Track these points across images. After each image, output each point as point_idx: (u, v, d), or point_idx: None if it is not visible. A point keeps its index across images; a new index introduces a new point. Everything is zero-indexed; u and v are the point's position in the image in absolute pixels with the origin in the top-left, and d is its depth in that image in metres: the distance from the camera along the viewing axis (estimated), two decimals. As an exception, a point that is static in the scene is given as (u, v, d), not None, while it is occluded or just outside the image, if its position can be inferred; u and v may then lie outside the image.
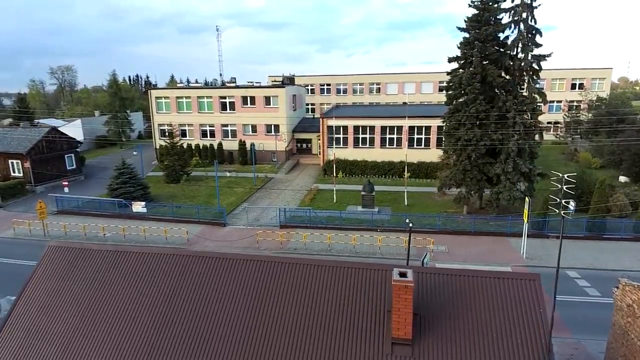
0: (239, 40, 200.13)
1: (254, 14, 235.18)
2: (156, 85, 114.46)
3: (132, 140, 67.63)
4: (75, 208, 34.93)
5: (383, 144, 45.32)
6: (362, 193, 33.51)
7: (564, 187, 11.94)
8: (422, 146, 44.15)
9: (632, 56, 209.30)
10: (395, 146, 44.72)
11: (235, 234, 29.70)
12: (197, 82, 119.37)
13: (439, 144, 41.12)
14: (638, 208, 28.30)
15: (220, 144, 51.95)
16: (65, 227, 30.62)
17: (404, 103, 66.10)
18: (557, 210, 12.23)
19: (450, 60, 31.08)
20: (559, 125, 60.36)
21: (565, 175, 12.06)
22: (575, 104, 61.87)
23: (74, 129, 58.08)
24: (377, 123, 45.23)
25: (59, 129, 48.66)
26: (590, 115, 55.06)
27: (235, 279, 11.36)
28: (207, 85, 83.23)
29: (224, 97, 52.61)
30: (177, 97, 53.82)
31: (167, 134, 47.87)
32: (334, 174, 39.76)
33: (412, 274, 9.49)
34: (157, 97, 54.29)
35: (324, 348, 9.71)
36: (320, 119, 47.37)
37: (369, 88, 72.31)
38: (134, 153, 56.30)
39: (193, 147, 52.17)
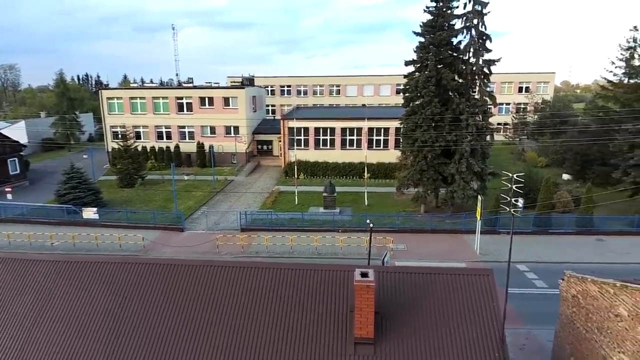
0: (197, 40, 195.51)
1: (214, 14, 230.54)
2: (108, 85, 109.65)
3: (82, 143, 64.34)
4: (19, 216, 32.72)
5: (344, 145, 45.88)
6: (324, 194, 33.73)
7: (514, 186, 12.64)
8: (381, 147, 45.10)
9: (573, 61, 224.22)
10: (355, 147, 45.38)
11: (194, 238, 28.98)
12: (151, 82, 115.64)
13: (397, 145, 42.10)
14: (580, 204, 30.29)
15: (177, 146, 50.50)
16: (10, 237, 28.65)
17: (363, 105, 67.19)
18: (507, 208, 12.89)
19: (407, 63, 31.96)
20: (508, 126, 63.59)
21: (515, 175, 12.75)
22: (522, 106, 65.34)
23: (17, 131, 54.47)
24: (338, 125, 45.72)
25: (1, 131, 45.48)
26: (536, 117, 58.40)
27: (194, 286, 11.11)
28: (162, 86, 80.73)
29: (181, 98, 51.23)
30: (131, 98, 51.80)
31: (120, 136, 45.96)
32: (296, 176, 39.77)
33: (373, 273, 9.69)
34: (109, 98, 51.99)
35: (287, 351, 9.70)
36: (281, 121, 47.23)
37: (329, 90, 72.91)
38: (84, 156, 53.61)
39: (148, 150, 50.39)
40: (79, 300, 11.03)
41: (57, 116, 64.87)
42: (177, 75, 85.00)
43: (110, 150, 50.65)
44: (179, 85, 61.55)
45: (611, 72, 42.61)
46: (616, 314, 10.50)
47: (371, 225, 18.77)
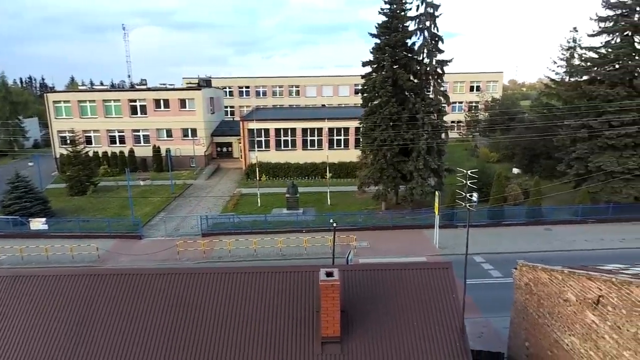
0: (150, 41, 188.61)
1: (167, 14, 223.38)
2: (54, 88, 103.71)
3: (27, 150, 60.50)
4: (-42, 230, 30.38)
5: (305, 145, 45.97)
6: (287, 195, 33.66)
7: (468, 181, 13.20)
8: (342, 147, 45.60)
9: (519, 61, 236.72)
10: (316, 148, 45.60)
11: (153, 246, 28.04)
12: (102, 84, 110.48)
13: (357, 144, 42.75)
14: (529, 196, 32.04)
15: (131, 151, 48.61)
16: (-54, 253, 26.54)
17: (323, 105, 67.63)
18: (462, 203, 13.43)
19: (364, 64, 32.48)
20: (461, 124, 66.18)
21: (469, 171, 13.34)
22: (474, 104, 68.21)
23: (-49, 139, 50.46)
24: (298, 125, 45.74)
25: None
26: (487, 114, 61.15)
27: (154, 295, 10.77)
28: (114, 88, 77.38)
29: (134, 101, 49.39)
30: (80, 101, 49.33)
31: (69, 141, 43.63)
32: (258, 178, 39.43)
33: (338, 272, 9.81)
34: (55, 102, 49.22)
35: (256, 354, 9.62)
36: (241, 122, 46.64)
37: (289, 90, 72.77)
38: (30, 164, 50.47)
39: (100, 155, 48.17)
40: (29, 317, 10.40)
41: (-3, 122, 60.68)
42: (129, 77, 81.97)
43: (58, 156, 47.98)
44: (132, 87, 59.30)
45: (553, 71, 45.48)
46: (565, 299, 11.21)
47: (334, 224, 18.96)
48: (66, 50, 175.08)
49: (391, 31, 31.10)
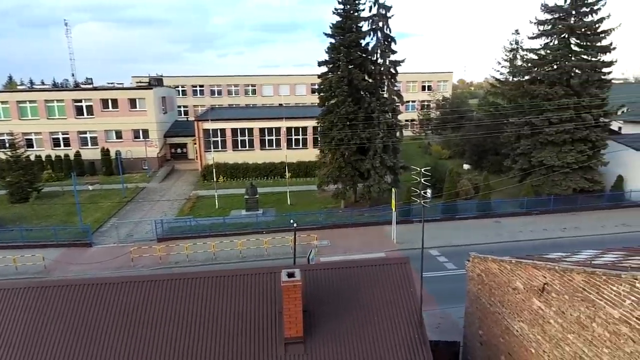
0: (95, 37, 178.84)
1: (113, 9, 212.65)
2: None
3: (-42, 155, 55.66)
4: None
5: (263, 145, 45.57)
6: (246, 196, 33.22)
7: (422, 178, 13.67)
8: (300, 146, 45.63)
9: (467, 61, 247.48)
10: (275, 147, 45.34)
11: (105, 253, 26.75)
12: (43, 83, 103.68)
13: (315, 143, 42.95)
14: (479, 191, 33.62)
15: (78, 154, 46.00)
16: None
17: (280, 105, 67.31)
18: (417, 200, 13.89)
19: (320, 64, 32.69)
20: (414, 122, 68.28)
21: (423, 169, 13.81)
22: (426, 103, 70.56)
23: None
24: (256, 125, 45.26)
25: None
26: (438, 113, 63.47)
27: (107, 306, 10.32)
28: (56, 87, 72.90)
29: (79, 101, 46.79)
30: (19, 102, 46.09)
31: (7, 145, 40.64)
32: (215, 179, 38.63)
33: (300, 273, 9.85)
34: (-9, 102, 45.70)
35: (219, 359, 9.48)
36: (195, 122, 45.45)
37: (245, 89, 71.77)
38: (-38, 170, 46.49)
39: (43, 159, 45.28)
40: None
41: None
42: (72, 75, 77.48)
43: (-5, 161, 44.52)
44: (77, 87, 56.08)
45: (498, 71, 48.05)
46: (514, 288, 11.90)
47: (295, 224, 18.97)
48: (1, 46, 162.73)
49: (345, 31, 31.48)
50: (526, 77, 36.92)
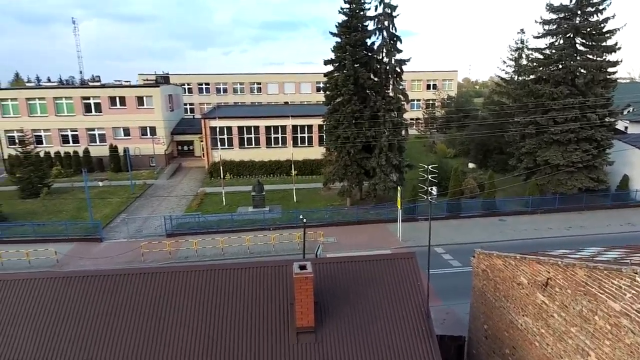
0: (95, 34, 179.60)
1: (111, 5, 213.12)
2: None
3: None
4: None
5: (269, 143, 45.92)
6: (252, 193, 33.62)
7: (429, 176, 13.99)
8: (306, 144, 45.95)
9: (472, 59, 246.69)
10: (281, 145, 45.67)
11: (115, 248, 27.27)
12: (49, 80, 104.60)
13: (321, 142, 43.28)
14: (484, 189, 33.86)
15: (86, 150, 46.59)
16: None
17: (286, 103, 67.65)
18: (425, 197, 14.23)
19: (326, 62, 32.99)
20: (419, 121, 68.44)
21: (430, 166, 14.13)
22: (431, 102, 70.67)
23: None
24: (262, 123, 45.63)
25: None
26: (443, 111, 63.59)
27: (124, 296, 10.73)
28: (63, 85, 73.58)
29: (88, 98, 47.35)
30: (28, 99, 46.70)
31: (17, 141, 41.27)
32: (222, 176, 39.06)
33: (311, 265, 10.23)
34: (1, 99, 46.34)
35: (234, 346, 9.87)
36: (202, 120, 45.89)
37: (250, 88, 72.16)
38: (-26, 166, 47.25)
39: (52, 155, 45.88)
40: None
41: None
42: (81, 72, 78.14)
43: (6, 157, 45.22)
44: (84, 84, 56.68)
45: (503, 70, 48.07)
46: (518, 283, 12.23)
47: (304, 220, 19.34)
48: (5, 43, 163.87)
49: (351, 30, 31.73)
50: (531, 77, 37.00)
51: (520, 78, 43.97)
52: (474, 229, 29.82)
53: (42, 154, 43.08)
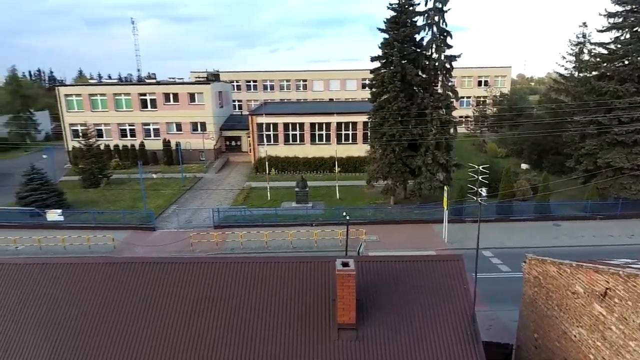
0: (149, 34, 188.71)
1: (165, 7, 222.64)
2: (64, 81, 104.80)
3: (39, 143, 61.42)
4: (-24, 220, 31.16)
5: (313, 140, 46.29)
6: (296, 189, 34.07)
7: (480, 176, 13.51)
8: (350, 142, 45.88)
9: (527, 55, 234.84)
10: (325, 142, 45.92)
11: (166, 237, 28.66)
12: (110, 78, 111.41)
13: (365, 139, 43.00)
14: (537, 192, 32.21)
15: (142, 144, 49.26)
16: (-34, 243, 27.31)
17: (331, 100, 67.78)
18: (474, 198, 13.76)
19: (373, 59, 32.65)
20: (469, 119, 66.10)
21: (480, 167, 13.65)
22: (482, 99, 68.07)
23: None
24: (307, 120, 46.05)
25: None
26: (495, 109, 61.04)
27: (176, 283, 11.24)
28: (123, 82, 78.08)
29: (144, 94, 49.95)
30: (91, 95, 49.99)
31: (81, 134, 44.35)
32: (267, 172, 39.88)
33: (353, 263, 10.22)
34: (66, 95, 49.92)
35: (277, 340, 10.08)
36: (249, 117, 47.04)
37: (296, 85, 73.00)
38: (44, 156, 51.15)
39: (112, 148, 48.88)
40: (56, 302, 10.93)
41: (10, 115, 61.46)
42: (138, 70, 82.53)
43: (70, 149, 48.76)
44: (141, 81, 59.84)
45: (562, 66, 45.36)
46: (573, 292, 11.56)
47: (347, 217, 19.37)
48: (71, 42, 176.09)
49: (400, 26, 31.19)
50: (594, 73, 34.72)
51: (581, 74, 41.32)
52: (526, 233, 28.50)
53: (102, 147, 46.06)
